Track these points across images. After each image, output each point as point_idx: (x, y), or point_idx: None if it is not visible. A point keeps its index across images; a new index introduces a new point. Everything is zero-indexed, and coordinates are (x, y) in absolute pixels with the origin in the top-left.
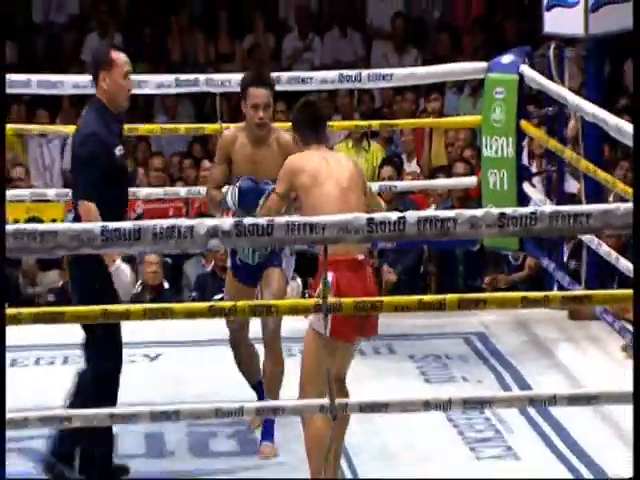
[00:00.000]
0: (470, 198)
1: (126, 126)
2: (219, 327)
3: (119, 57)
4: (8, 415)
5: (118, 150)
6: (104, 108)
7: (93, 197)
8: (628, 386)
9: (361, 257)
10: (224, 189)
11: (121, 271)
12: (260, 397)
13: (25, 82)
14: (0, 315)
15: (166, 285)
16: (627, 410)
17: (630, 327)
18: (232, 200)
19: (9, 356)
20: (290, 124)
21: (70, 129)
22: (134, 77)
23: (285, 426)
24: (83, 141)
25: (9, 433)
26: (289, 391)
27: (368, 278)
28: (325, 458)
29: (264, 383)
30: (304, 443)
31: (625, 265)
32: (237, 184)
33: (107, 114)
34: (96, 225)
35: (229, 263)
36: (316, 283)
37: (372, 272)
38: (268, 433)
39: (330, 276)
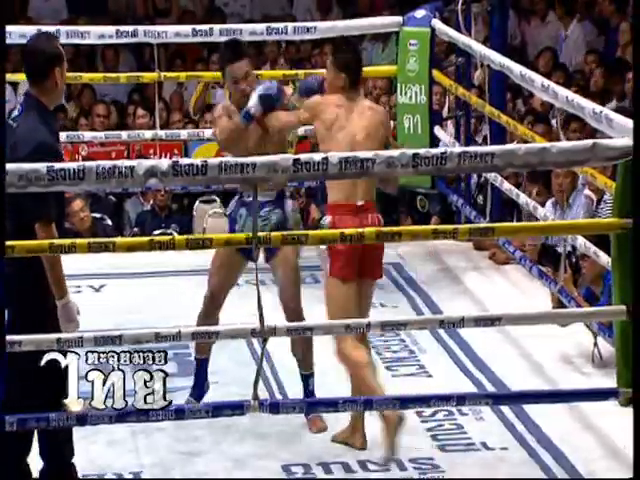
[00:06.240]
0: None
1: (71, 74)
2: (158, 260)
3: (62, 48)
4: None
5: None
6: (44, 109)
7: (53, 217)
8: (527, 309)
9: (361, 203)
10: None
11: (69, 308)
12: (198, 372)
13: None
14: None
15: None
16: (526, 330)
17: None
18: (254, 105)
19: None
20: (332, 63)
21: (16, 77)
22: (76, 28)
23: None
24: (33, 152)
25: None
26: None
27: (369, 221)
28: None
29: (296, 343)
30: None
31: (524, 200)
32: (256, 91)
33: (48, 115)
34: (42, 165)
35: (228, 229)
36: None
37: (377, 217)
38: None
39: (328, 219)
